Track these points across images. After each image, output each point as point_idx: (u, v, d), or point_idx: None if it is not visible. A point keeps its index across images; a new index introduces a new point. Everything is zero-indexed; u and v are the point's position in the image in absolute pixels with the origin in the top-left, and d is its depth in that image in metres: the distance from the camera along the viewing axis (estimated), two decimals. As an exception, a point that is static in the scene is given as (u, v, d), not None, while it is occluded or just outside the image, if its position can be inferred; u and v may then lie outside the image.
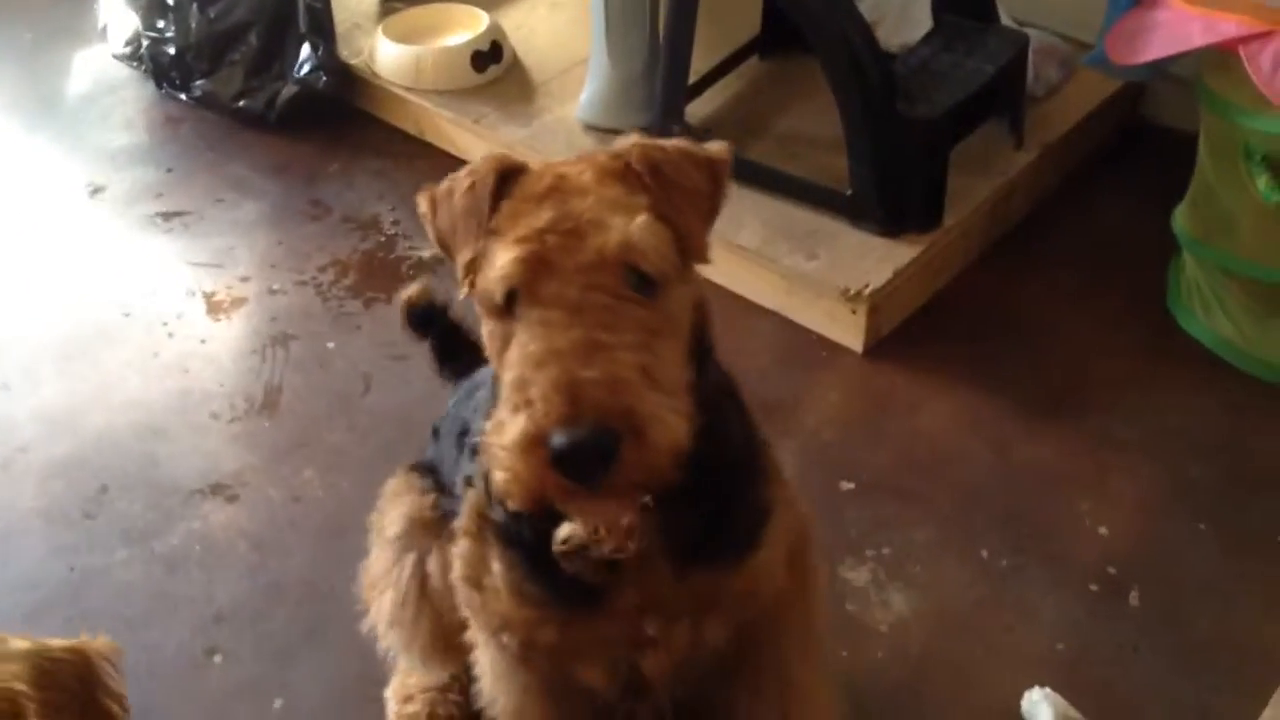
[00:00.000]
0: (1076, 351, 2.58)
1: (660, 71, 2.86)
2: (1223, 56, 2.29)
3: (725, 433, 1.34)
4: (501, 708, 1.61)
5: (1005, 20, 2.94)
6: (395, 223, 3.07)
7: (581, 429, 1.05)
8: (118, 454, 2.47)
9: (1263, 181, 2.29)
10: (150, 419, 2.55)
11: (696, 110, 3.00)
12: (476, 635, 1.57)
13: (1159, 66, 2.48)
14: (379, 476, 2.34)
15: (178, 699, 2.01)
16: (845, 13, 2.52)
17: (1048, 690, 1.86)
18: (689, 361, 1.23)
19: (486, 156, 1.26)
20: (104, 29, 3.80)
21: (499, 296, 1.16)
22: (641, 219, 1.16)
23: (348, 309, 2.82)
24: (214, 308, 2.85)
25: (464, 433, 1.59)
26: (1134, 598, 2.05)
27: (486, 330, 1.23)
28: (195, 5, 3.43)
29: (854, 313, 2.54)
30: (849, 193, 2.65)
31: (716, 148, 1.30)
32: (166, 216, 3.16)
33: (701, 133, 2.81)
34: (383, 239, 3.03)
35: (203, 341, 2.75)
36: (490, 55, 3.31)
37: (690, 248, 1.22)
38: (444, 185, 1.28)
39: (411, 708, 1.90)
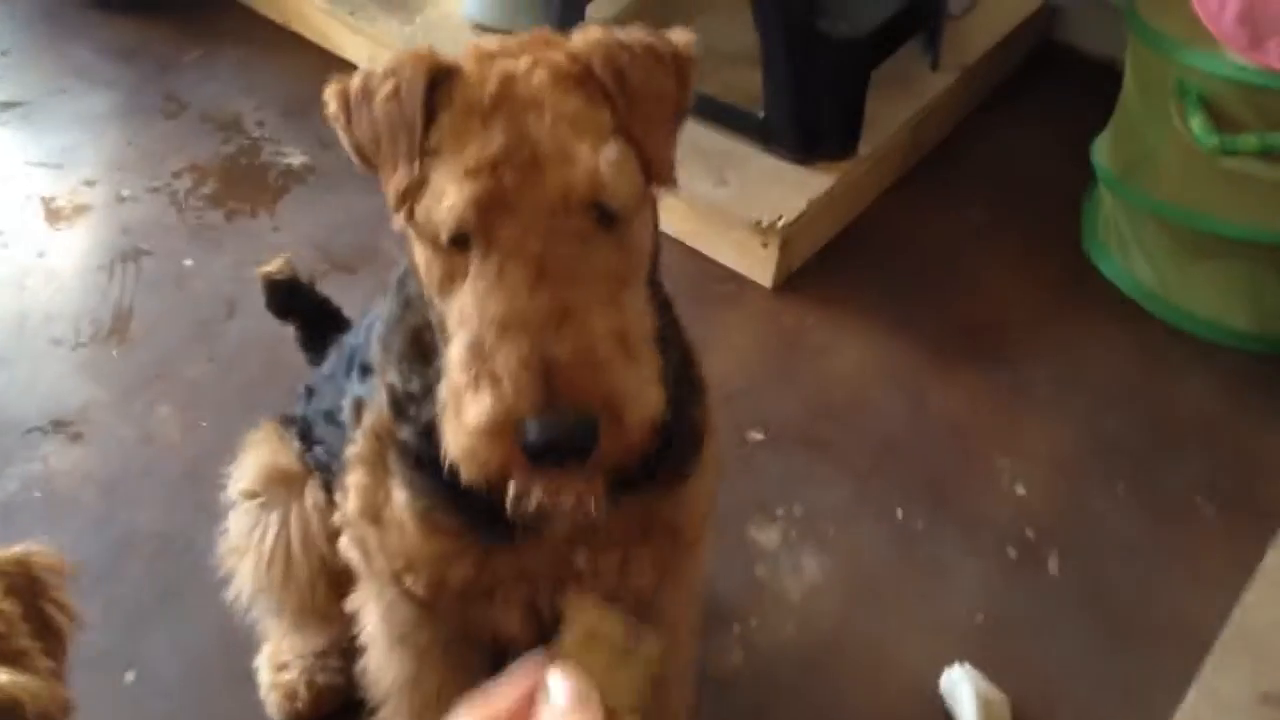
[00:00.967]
0: (990, 291, 2.47)
1: (560, -32, 2.60)
2: (1164, -14, 2.17)
3: (665, 350, 1.17)
4: (392, 679, 1.44)
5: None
6: (261, 124, 2.78)
7: (559, 420, 0.93)
8: (-59, 384, 2.19)
9: (1196, 123, 2.18)
10: (-19, 345, 2.27)
11: (597, 11, 2.75)
12: (366, 590, 1.40)
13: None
14: (243, 416, 2.13)
15: (12, 674, 1.79)
16: (767, -84, 2.31)
17: (967, 667, 1.77)
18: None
19: (409, 52, 1.04)
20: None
21: (446, 236, 0.98)
22: (610, 149, 0.98)
23: (208, 221, 2.54)
24: (54, 215, 2.53)
25: (363, 368, 1.38)
26: (1053, 565, 1.98)
27: (423, 258, 1.04)
28: None
29: (765, 246, 2.38)
30: (761, 115, 2.47)
31: (683, 40, 1.09)
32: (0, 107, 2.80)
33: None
34: (246, 142, 2.73)
35: (41, 255, 2.45)
36: (369, -62, 2.99)
37: (657, 170, 1.04)
38: (357, 82, 1.05)
39: (287, 676, 1.73)
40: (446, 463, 0.98)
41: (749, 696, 1.80)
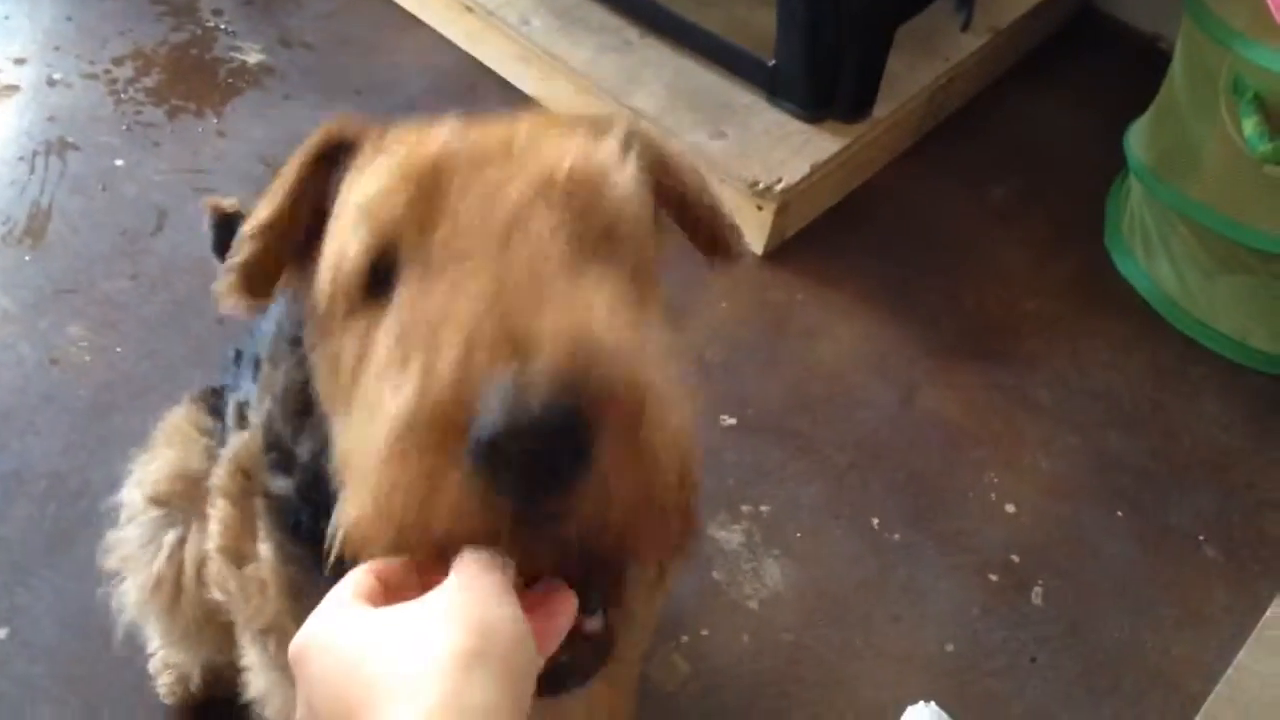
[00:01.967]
0: (998, 282, 2.26)
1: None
2: (1233, -33, 1.93)
3: None
4: (276, 708, 1.25)
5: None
6: (218, 11, 2.50)
7: (531, 391, 0.58)
8: None
9: (1250, 124, 1.96)
10: (-128, 233, 2.02)
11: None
12: (237, 623, 1.19)
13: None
14: (162, 347, 1.94)
15: None
16: None
17: (932, 706, 1.60)
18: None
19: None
20: None
21: (358, 270, 0.73)
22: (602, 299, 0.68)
23: (146, 118, 2.28)
24: (-26, 94, 2.28)
25: (256, 361, 1.16)
26: (1037, 595, 1.80)
27: (326, 357, 0.79)
28: None
29: (760, 209, 2.16)
30: (772, 63, 2.22)
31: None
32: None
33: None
34: (199, 31, 2.46)
35: (-45, 137, 2.20)
36: None
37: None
38: None
39: (179, 655, 1.52)
40: (336, 536, 0.67)
41: (692, 713, 1.63)
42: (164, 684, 1.54)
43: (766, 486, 1.88)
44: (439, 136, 0.74)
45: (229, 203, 1.43)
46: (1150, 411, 2.07)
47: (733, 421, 1.96)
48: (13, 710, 1.53)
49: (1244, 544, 1.91)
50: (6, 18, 2.42)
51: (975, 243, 2.32)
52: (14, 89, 2.29)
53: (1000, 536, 1.87)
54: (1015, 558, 1.84)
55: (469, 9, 2.42)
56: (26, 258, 2.03)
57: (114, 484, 1.44)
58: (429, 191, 0.71)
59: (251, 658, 1.21)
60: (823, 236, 2.28)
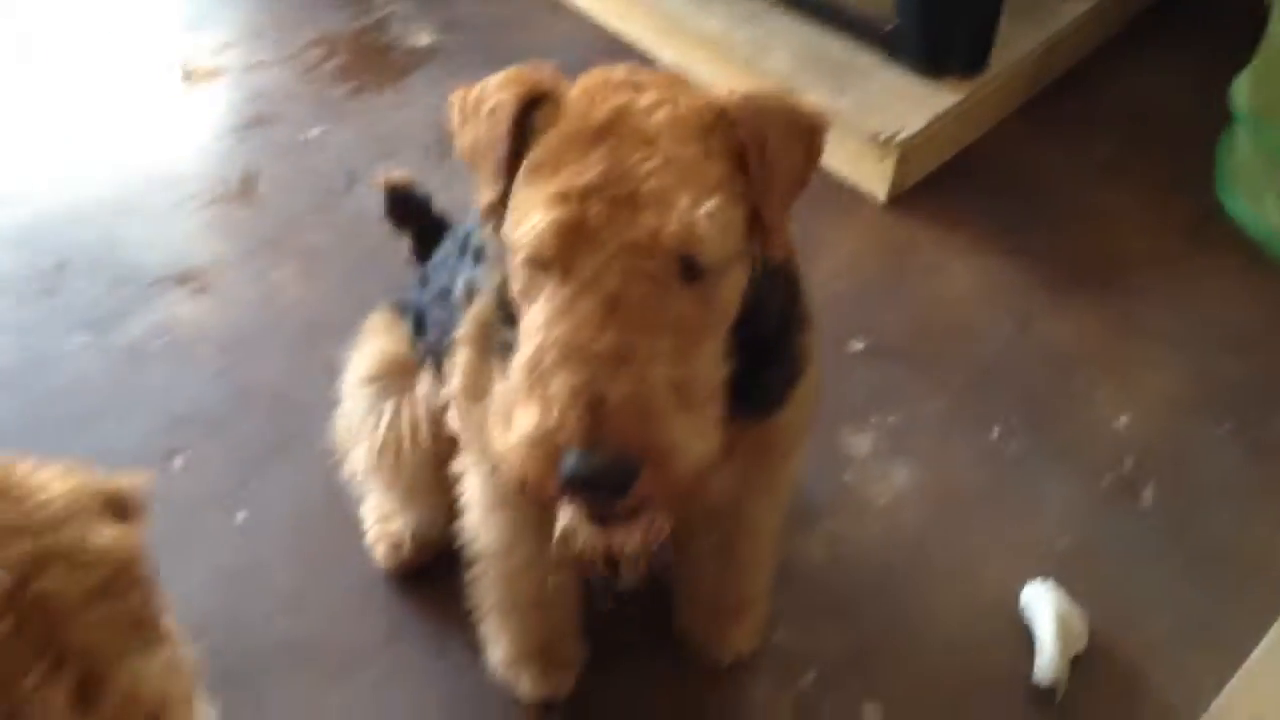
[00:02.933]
0: (1110, 225, 2.42)
1: None
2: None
3: (774, 280, 1.19)
4: (487, 543, 1.50)
5: None
6: (391, 0, 2.81)
7: (597, 458, 0.96)
8: (80, 229, 2.29)
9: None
10: (116, 195, 2.36)
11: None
12: (466, 458, 1.46)
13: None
14: (359, 286, 2.22)
15: (133, 503, 1.89)
16: None
17: (1051, 583, 1.78)
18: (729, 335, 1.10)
19: (510, 76, 1.07)
20: None
21: (523, 257, 1.02)
22: (712, 204, 0.98)
23: (334, 94, 2.60)
24: (190, 76, 2.61)
25: (476, 252, 1.42)
26: (1147, 496, 1.97)
27: (509, 263, 1.09)
28: None
29: (881, 160, 2.37)
30: (890, 26, 2.43)
31: (818, 112, 1.09)
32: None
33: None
34: (376, 18, 2.77)
35: (175, 114, 2.53)
36: None
37: (771, 238, 1.06)
38: (475, 92, 1.09)
39: (392, 526, 1.79)
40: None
41: (830, 593, 1.83)
42: (380, 551, 1.80)
43: (892, 401, 2.08)
44: (590, 173, 0.98)
45: (399, 175, 1.71)
46: (1258, 341, 2.22)
47: (860, 346, 2.17)
48: (256, 578, 1.81)
49: (1343, 456, 2.05)
50: (215, 9, 2.76)
51: (1085, 192, 2.49)
52: (222, 71, 2.62)
53: (1111, 445, 2.04)
54: (1127, 463, 2.01)
55: (614, -10, 2.68)
56: (241, 214, 2.34)
57: (324, 400, 1.73)
58: (571, 239, 0.98)
59: (473, 491, 1.46)
60: (941, 186, 2.48)
